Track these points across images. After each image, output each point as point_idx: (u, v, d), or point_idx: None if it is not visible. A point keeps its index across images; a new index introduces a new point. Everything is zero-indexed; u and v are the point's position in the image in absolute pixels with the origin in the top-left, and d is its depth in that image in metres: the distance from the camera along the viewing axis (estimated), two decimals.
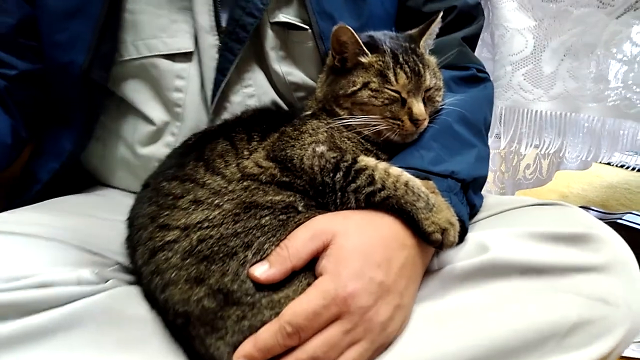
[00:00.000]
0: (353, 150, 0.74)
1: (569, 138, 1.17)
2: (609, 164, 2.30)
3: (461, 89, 0.89)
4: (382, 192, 0.67)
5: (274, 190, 0.69)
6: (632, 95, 0.99)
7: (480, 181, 0.82)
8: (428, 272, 0.73)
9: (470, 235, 0.76)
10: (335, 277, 0.61)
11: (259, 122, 0.81)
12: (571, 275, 0.70)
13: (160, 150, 0.88)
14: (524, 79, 1.06)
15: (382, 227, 0.67)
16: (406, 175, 0.69)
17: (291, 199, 0.69)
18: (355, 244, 0.64)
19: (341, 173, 0.68)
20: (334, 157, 0.70)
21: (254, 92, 0.90)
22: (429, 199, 0.68)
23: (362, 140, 0.78)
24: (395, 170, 0.70)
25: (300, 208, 0.69)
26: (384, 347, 0.64)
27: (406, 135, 0.78)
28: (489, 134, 1.23)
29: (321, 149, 0.72)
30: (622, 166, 2.32)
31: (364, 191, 0.67)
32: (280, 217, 0.68)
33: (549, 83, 1.06)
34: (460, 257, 0.73)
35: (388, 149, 0.79)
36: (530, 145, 1.15)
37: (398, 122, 0.77)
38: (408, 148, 0.79)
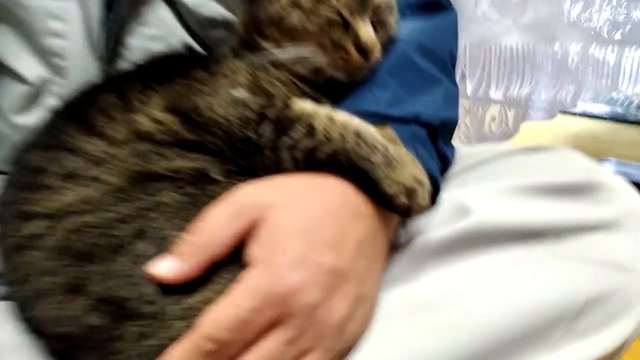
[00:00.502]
0: (285, 95, 0.55)
1: (541, 78, 1.01)
2: (573, 114, 2.19)
3: (419, 17, 0.70)
4: (327, 147, 0.49)
5: (176, 154, 0.50)
6: (618, 15, 0.84)
7: (450, 127, 0.65)
8: (395, 247, 0.57)
9: (444, 197, 0.59)
10: (269, 268, 0.44)
11: (163, 70, 0.61)
12: (576, 237, 0.55)
13: (41, 118, 0.66)
14: (490, 7, 0.89)
15: (329, 194, 0.49)
16: (356, 122, 0.52)
17: (202, 164, 0.51)
18: (295, 219, 0.47)
19: (269, 124, 0.50)
20: (258, 104, 0.51)
21: (157, 32, 0.71)
22: (388, 151, 0.50)
23: (297, 82, 0.59)
24: (341, 116, 0.52)
25: (215, 176, 0.50)
26: (345, 353, 0.46)
27: (354, 70, 0.60)
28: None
29: (240, 93, 0.53)
30: (587, 115, 2.21)
31: (301, 146, 0.49)
32: (188, 190, 0.49)
33: (519, 10, 0.89)
34: (435, 225, 0.57)
35: (332, 92, 0.61)
36: (499, 89, 0.99)
37: (341, 53, 0.58)
38: (357, 88, 0.61)
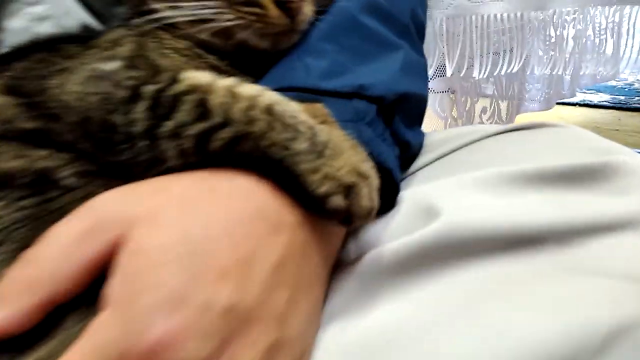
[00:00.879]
0: (179, 68, 0.40)
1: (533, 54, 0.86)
2: (573, 104, 2.03)
3: None
4: (226, 130, 0.36)
5: (14, 151, 0.35)
6: None
7: (413, 104, 0.50)
8: (340, 266, 0.43)
9: (405, 195, 0.45)
10: (126, 314, 0.30)
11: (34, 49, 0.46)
12: (586, 242, 0.39)
13: None
14: None
15: (230, 199, 0.35)
16: (270, 97, 0.38)
17: (47, 163, 0.36)
18: (171, 237, 0.33)
19: (145, 104, 0.36)
20: (133, 78, 0.37)
21: (47, 11, 0.56)
22: (315, 135, 0.37)
23: (200, 51, 0.44)
24: (248, 89, 0.38)
25: (66, 180, 0.35)
26: None
27: (275, 33, 0.45)
28: (431, 64, 0.91)
29: (110, 66, 0.39)
30: (586, 105, 2.06)
31: (190, 133, 0.35)
32: (23, 202, 0.34)
33: None
34: (393, 234, 0.42)
35: (250, 64, 0.45)
36: (484, 68, 0.84)
37: (256, 11, 0.43)
38: (284, 58, 0.46)
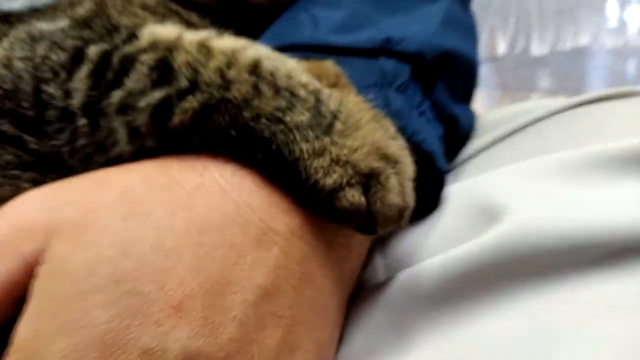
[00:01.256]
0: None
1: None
2: None
3: None
4: (194, 97, 0.26)
5: None
6: None
7: (461, 70, 0.39)
8: (361, 291, 0.32)
9: (454, 190, 0.34)
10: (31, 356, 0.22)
11: None
12: None
13: None
14: None
15: (198, 197, 0.26)
16: (255, 51, 0.28)
17: None
18: (104, 253, 0.23)
19: (87, 67, 0.28)
20: (75, 38, 0.30)
21: None
22: (321, 101, 0.27)
23: (181, 9, 0.34)
24: (227, 42, 0.29)
25: None
26: None
27: None
28: None
29: (52, 26, 0.32)
30: None
31: (146, 101, 0.27)
32: None
33: None
34: (436, 245, 0.31)
35: (243, 25, 0.35)
36: (544, 41, 0.70)
37: None
38: (287, 11, 0.35)
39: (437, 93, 0.34)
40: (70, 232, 0.24)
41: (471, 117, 0.42)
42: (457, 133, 0.38)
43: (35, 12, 0.36)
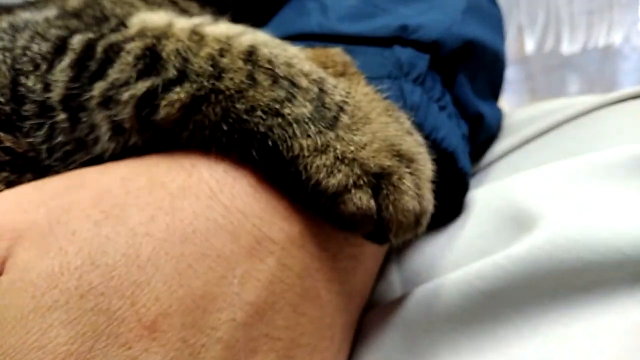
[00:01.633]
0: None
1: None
2: None
3: None
4: (182, 87, 0.23)
5: None
6: None
7: (486, 62, 0.36)
8: (374, 308, 0.29)
9: (479, 195, 0.31)
10: None
11: None
12: None
13: None
14: None
15: (183, 199, 0.23)
16: (252, 37, 0.25)
17: None
18: (70, 263, 0.20)
19: (69, 58, 0.25)
20: (60, 27, 0.28)
21: None
22: (325, 92, 0.24)
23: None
24: (221, 29, 0.26)
25: None
26: None
27: None
28: None
29: (37, 16, 0.29)
30: None
31: (130, 93, 0.24)
32: None
33: None
34: (459, 256, 0.28)
35: (246, 11, 0.32)
36: (575, 39, 0.66)
37: None
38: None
39: (460, 87, 0.31)
40: (37, 238, 0.21)
41: (499, 115, 0.38)
42: (483, 132, 0.34)
43: (28, 5, 0.34)
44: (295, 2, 0.33)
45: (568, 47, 0.69)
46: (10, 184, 0.25)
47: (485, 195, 0.30)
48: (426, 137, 0.26)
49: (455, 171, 0.29)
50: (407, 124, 0.24)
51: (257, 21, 0.33)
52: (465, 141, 0.31)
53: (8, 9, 0.34)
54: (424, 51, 0.29)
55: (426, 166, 0.24)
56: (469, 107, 0.31)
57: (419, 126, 0.26)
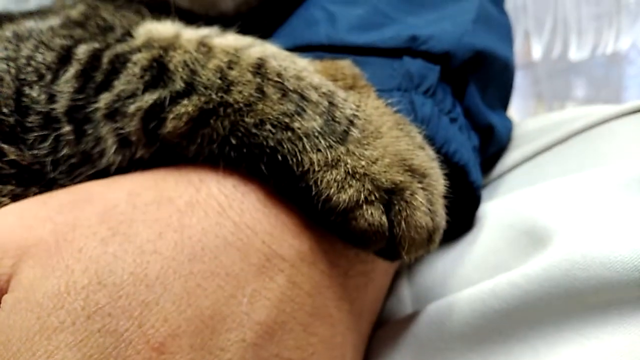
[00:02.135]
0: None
1: None
2: None
3: None
4: (190, 100, 0.23)
5: None
6: None
7: (496, 72, 0.35)
8: (384, 325, 0.28)
9: (490, 209, 0.30)
10: None
11: None
12: None
13: None
14: None
15: (191, 216, 0.22)
16: (261, 49, 0.25)
17: None
18: (76, 282, 0.20)
19: (74, 68, 0.25)
20: (65, 37, 0.27)
21: None
22: (335, 105, 0.23)
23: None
24: (229, 40, 0.26)
25: None
26: None
27: None
28: None
29: (41, 24, 0.29)
30: None
31: (137, 105, 0.23)
32: None
33: None
34: (471, 273, 0.28)
35: (251, 21, 0.31)
36: (583, 45, 0.65)
37: None
38: (300, 8, 0.32)
39: (470, 97, 0.30)
40: (42, 255, 0.20)
41: (509, 125, 0.37)
42: (493, 143, 0.33)
43: (30, 15, 0.33)
44: (302, 12, 0.32)
45: (576, 53, 0.68)
46: (15, 198, 0.25)
47: (498, 209, 0.29)
48: (437, 150, 0.25)
49: (467, 185, 0.28)
50: (419, 138, 0.24)
51: (263, 32, 0.33)
52: (476, 153, 0.30)
53: (11, 18, 0.34)
54: (434, 62, 0.28)
55: (438, 181, 0.23)
56: (479, 118, 0.31)
57: (430, 139, 0.25)
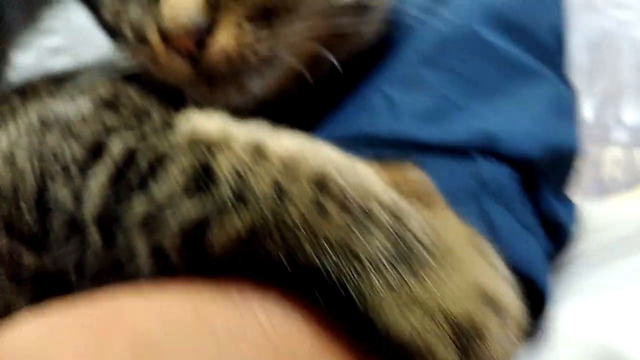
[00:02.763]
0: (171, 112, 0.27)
1: None
2: None
3: None
4: (241, 217, 0.20)
5: None
6: None
7: (564, 162, 0.32)
8: None
9: (561, 320, 0.26)
10: None
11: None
12: None
13: None
14: None
15: (237, 340, 0.19)
16: (321, 158, 0.22)
17: None
18: None
19: (108, 166, 0.23)
20: (97, 124, 0.25)
21: (62, 42, 0.50)
22: (404, 224, 0.20)
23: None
24: (285, 144, 0.23)
25: None
26: None
27: (177, 76, 0.28)
28: None
29: (71, 108, 0.27)
30: None
31: (175, 219, 0.21)
32: None
33: None
34: None
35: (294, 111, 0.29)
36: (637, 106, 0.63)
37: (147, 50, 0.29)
38: (357, 91, 0.29)
39: (542, 197, 0.28)
40: None
41: (572, 211, 0.35)
42: (560, 239, 0.31)
43: (53, 82, 0.31)
44: (357, 95, 0.30)
45: (629, 117, 0.65)
46: (32, 302, 0.23)
47: (566, 325, 0.26)
48: (511, 264, 0.23)
49: (536, 293, 0.26)
50: (501, 266, 0.21)
51: (310, 117, 0.30)
52: (548, 258, 0.27)
53: (35, 89, 0.31)
54: (509, 165, 0.26)
55: (516, 311, 0.20)
56: (550, 216, 0.28)
57: (502, 251, 0.23)
